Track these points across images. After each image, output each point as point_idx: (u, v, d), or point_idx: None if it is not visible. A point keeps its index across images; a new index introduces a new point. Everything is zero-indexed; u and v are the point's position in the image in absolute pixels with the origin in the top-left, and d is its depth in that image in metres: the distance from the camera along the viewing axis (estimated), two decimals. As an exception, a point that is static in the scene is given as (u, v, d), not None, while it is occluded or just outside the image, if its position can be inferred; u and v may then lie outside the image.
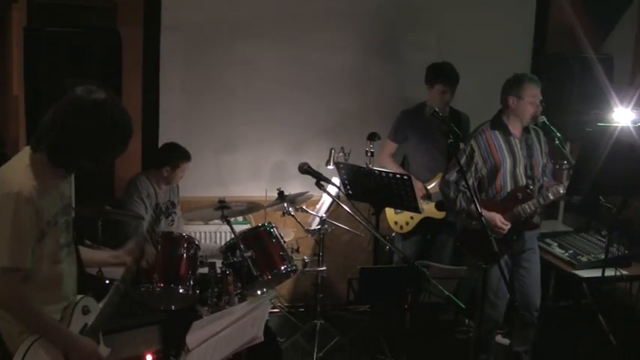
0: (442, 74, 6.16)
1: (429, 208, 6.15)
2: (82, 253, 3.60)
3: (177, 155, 6.03)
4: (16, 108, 5.46)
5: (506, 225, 5.23)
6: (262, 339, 3.30)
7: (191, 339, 3.71)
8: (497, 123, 5.40)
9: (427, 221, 6.24)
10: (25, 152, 3.19)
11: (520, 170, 5.34)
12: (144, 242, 3.78)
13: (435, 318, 6.49)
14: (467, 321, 6.56)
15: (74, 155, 3.17)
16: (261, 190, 6.59)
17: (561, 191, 5.17)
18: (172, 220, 6.14)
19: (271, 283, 5.62)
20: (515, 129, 5.37)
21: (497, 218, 5.23)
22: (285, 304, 7.06)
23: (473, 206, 4.77)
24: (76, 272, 3.45)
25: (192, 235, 5.64)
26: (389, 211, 6.35)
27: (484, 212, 4.88)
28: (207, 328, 3.73)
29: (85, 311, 3.39)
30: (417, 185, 6.01)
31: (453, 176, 5.40)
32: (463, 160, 5.34)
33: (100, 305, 3.49)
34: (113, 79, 5.13)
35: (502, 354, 5.91)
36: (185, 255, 5.24)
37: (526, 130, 5.40)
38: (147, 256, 3.80)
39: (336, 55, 6.97)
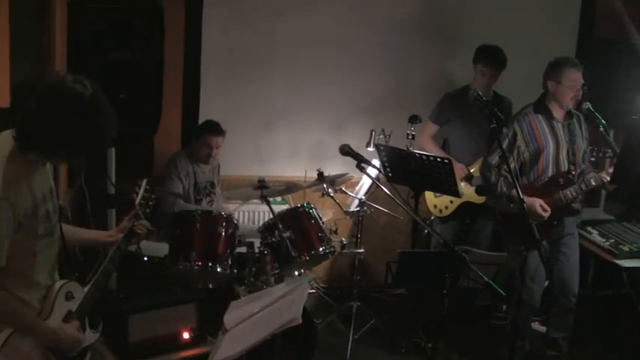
0: (484, 54, 6.11)
1: (468, 193, 6.09)
2: (74, 233, 3.50)
3: (204, 127, 6.05)
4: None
5: (546, 211, 5.18)
6: (300, 321, 3.27)
7: (229, 319, 3.70)
8: (541, 106, 5.35)
9: (466, 205, 6.19)
10: (6, 137, 3.03)
11: (563, 155, 5.28)
12: (133, 219, 3.56)
13: (470, 303, 6.44)
14: (504, 307, 6.50)
15: (46, 146, 3.00)
16: (299, 170, 6.58)
17: (605, 178, 5.10)
18: (211, 200, 6.15)
19: (309, 264, 5.61)
20: (558, 113, 5.31)
21: (538, 204, 5.17)
22: (321, 285, 7.05)
23: (514, 191, 4.71)
24: (57, 259, 3.29)
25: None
26: (428, 195, 6.31)
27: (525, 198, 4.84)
28: (246, 309, 3.72)
29: (69, 297, 3.23)
30: (459, 166, 5.97)
31: (494, 160, 5.35)
32: (505, 144, 5.27)
33: (86, 289, 3.33)
34: (156, 56, 5.12)
35: (538, 341, 5.86)
36: (223, 234, 5.24)
37: (569, 114, 5.33)
38: (138, 230, 3.56)
39: (380, 35, 6.92)
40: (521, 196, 4.44)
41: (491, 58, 6.09)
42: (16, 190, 2.93)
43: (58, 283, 3.23)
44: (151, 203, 3.61)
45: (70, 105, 2.93)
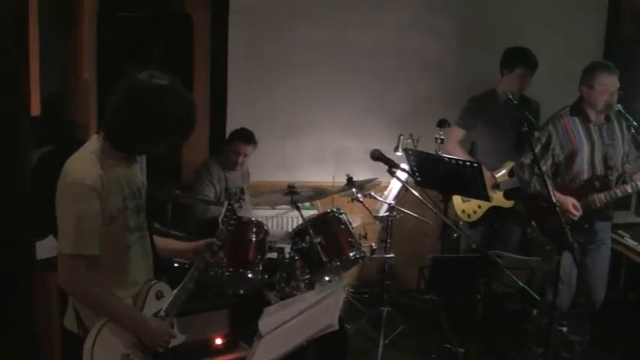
0: (523, 58, 6.00)
1: (496, 197, 6.05)
2: (162, 243, 3.62)
3: (237, 134, 6.09)
4: (87, 92, 5.51)
5: (578, 211, 5.14)
6: (337, 327, 3.27)
7: (264, 325, 3.70)
8: (577, 109, 5.30)
9: (494, 210, 6.14)
10: (93, 139, 3.18)
11: (598, 158, 5.23)
12: (221, 235, 3.77)
13: (500, 307, 6.40)
14: (534, 311, 6.46)
15: (133, 141, 3.14)
16: (327, 175, 6.58)
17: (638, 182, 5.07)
18: (240, 206, 6.15)
19: (339, 270, 5.59)
20: (595, 116, 5.26)
21: (570, 202, 5.14)
22: (350, 290, 7.03)
23: (546, 191, 4.68)
24: (149, 257, 3.43)
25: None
26: (456, 200, 6.28)
27: (557, 195, 4.79)
28: (280, 315, 3.73)
29: (159, 296, 3.37)
30: (486, 175, 5.93)
31: (528, 160, 5.32)
32: (538, 147, 5.24)
33: (174, 292, 3.46)
34: (184, 64, 5.14)
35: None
36: (254, 240, 5.26)
37: (608, 118, 5.28)
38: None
39: (406, 39, 6.92)
40: (554, 200, 4.41)
41: (530, 59, 6.00)
42: (106, 184, 3.07)
43: (150, 282, 3.37)
44: (232, 222, 3.89)
45: (155, 99, 3.06)
